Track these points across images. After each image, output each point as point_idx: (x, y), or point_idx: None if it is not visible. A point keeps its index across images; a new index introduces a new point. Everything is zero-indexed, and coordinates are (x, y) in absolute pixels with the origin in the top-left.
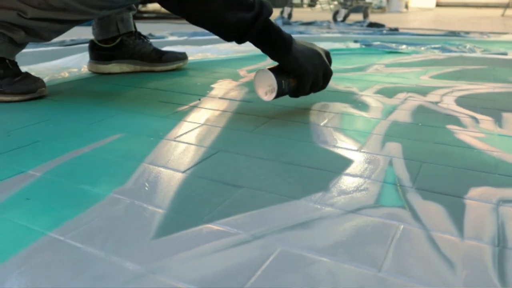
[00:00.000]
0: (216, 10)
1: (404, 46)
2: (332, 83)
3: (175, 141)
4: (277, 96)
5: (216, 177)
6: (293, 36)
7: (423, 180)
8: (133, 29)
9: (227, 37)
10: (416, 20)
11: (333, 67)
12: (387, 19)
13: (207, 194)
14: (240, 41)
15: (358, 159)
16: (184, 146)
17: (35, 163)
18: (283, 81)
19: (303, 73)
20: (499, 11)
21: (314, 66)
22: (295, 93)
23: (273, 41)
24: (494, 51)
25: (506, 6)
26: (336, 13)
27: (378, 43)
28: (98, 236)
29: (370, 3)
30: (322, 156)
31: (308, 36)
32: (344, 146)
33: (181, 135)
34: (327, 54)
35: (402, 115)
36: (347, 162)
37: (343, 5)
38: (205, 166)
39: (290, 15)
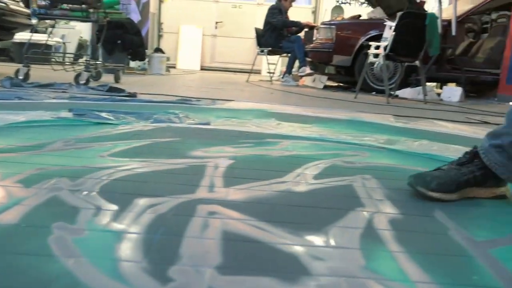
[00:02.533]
0: None
1: (122, 116)
2: None
3: None
4: None
5: None
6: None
7: None
8: None
9: None
10: (166, 85)
11: (12, 144)
12: (143, 82)
13: None
14: None
15: None
16: None
17: None
18: None
19: None
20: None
21: None
22: None
23: None
24: (200, 120)
25: (250, 72)
26: (78, 76)
27: (96, 112)
28: None
29: (123, 66)
30: None
31: (26, 101)
32: None
33: None
34: None
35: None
36: None
37: (86, 67)
38: None
39: (27, 75)
